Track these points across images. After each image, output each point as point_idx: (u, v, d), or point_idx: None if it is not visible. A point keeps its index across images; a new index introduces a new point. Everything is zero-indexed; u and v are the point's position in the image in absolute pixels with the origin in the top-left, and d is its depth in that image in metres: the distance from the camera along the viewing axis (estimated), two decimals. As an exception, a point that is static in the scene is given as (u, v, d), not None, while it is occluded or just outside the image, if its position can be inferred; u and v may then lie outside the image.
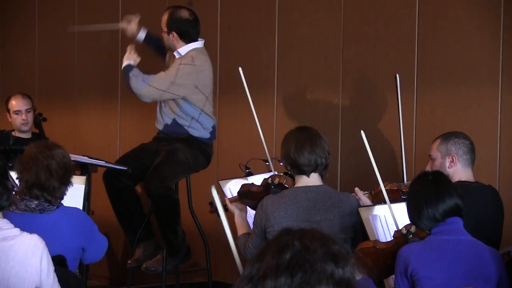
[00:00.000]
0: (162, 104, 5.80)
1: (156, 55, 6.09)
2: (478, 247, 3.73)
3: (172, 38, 5.75)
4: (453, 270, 3.65)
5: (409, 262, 3.66)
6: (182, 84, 5.63)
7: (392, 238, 3.89)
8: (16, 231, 3.33)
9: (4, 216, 3.48)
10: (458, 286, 3.63)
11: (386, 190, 4.42)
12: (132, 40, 6.03)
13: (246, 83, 5.05)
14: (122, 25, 6.00)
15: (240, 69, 5.21)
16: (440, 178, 3.83)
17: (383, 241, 4.00)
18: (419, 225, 3.76)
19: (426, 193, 3.76)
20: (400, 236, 3.83)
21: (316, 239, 1.92)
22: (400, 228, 3.88)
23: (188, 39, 5.75)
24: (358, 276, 3.89)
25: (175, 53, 5.76)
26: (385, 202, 4.32)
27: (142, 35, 5.98)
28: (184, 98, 5.68)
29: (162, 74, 5.67)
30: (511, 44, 5.19)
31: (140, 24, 5.91)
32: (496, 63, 5.22)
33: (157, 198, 5.55)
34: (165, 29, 5.76)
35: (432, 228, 3.74)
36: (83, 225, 4.10)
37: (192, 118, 5.74)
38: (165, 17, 5.78)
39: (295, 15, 6.23)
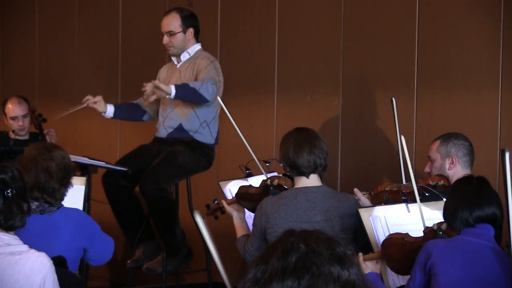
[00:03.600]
0: (168, 110, 5.74)
1: (129, 119, 6.01)
2: (502, 256, 3.71)
3: (188, 36, 5.71)
4: (471, 271, 3.64)
5: (431, 254, 3.65)
6: (221, 82, 5.62)
7: (423, 234, 3.90)
8: (25, 247, 3.33)
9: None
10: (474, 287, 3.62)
11: (386, 191, 4.42)
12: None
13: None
14: (89, 104, 5.80)
15: (218, 97, 5.24)
16: (483, 185, 3.81)
17: (412, 235, 3.99)
18: (451, 225, 3.76)
19: (466, 196, 3.75)
20: (430, 232, 3.83)
21: (321, 241, 1.92)
22: (430, 225, 3.89)
23: (197, 37, 5.76)
24: (367, 270, 3.90)
25: (183, 55, 5.70)
26: (385, 203, 4.33)
27: (111, 109, 5.80)
28: None
29: (205, 74, 5.53)
30: (511, 45, 5.20)
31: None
32: (496, 64, 5.23)
33: (151, 200, 5.54)
34: (179, 29, 5.70)
35: (462, 229, 3.74)
36: (83, 225, 4.10)
37: (204, 121, 5.68)
38: (174, 17, 5.70)
39: (295, 16, 6.23)
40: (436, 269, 3.64)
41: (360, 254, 3.95)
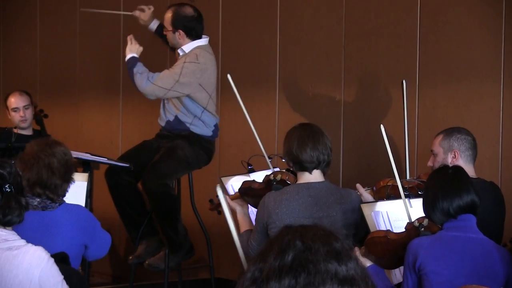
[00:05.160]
0: (165, 101, 5.80)
1: (165, 45, 6.04)
2: (488, 246, 3.73)
3: (178, 36, 5.72)
4: (460, 267, 3.66)
5: (417, 255, 3.66)
6: (187, 82, 5.62)
7: (404, 230, 3.90)
8: (22, 242, 3.34)
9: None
10: (465, 283, 3.63)
11: (388, 186, 4.42)
12: (130, 31, 6.03)
13: (236, 89, 5.01)
14: (136, 13, 6.00)
15: (228, 75, 5.19)
16: (460, 173, 3.82)
17: (394, 232, 3.99)
18: (432, 218, 3.76)
19: (444, 187, 3.76)
20: (412, 229, 3.83)
21: (318, 238, 1.90)
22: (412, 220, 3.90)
23: (194, 36, 5.75)
24: (368, 263, 3.91)
25: (179, 51, 5.74)
26: (387, 198, 4.33)
27: (154, 25, 5.99)
28: (188, 96, 5.68)
29: (166, 72, 5.66)
30: (513, 40, 5.19)
31: (140, 28, 5.84)
32: (498, 59, 5.22)
33: (154, 195, 5.55)
34: (170, 28, 5.72)
35: (445, 223, 3.74)
36: (85, 222, 4.09)
37: (195, 116, 5.73)
38: (168, 16, 5.74)
39: (296, 11, 6.23)
40: (426, 270, 3.64)
41: (356, 248, 3.95)
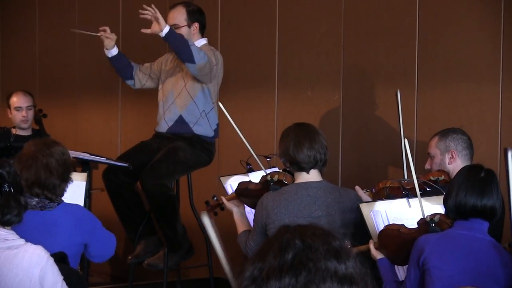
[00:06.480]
0: (170, 101, 5.74)
1: (118, 71, 5.91)
2: (492, 247, 3.74)
3: (193, 31, 5.70)
4: (463, 265, 3.67)
5: (423, 251, 3.69)
6: (217, 68, 5.60)
7: (417, 225, 3.92)
8: (21, 241, 3.35)
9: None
10: (466, 281, 3.64)
11: (387, 187, 4.42)
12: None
13: (228, 114, 5.01)
14: (103, 35, 5.76)
15: (219, 103, 5.19)
16: (490, 177, 3.81)
17: (408, 227, 4.01)
18: (447, 207, 3.77)
19: (469, 183, 3.75)
20: (423, 224, 3.88)
21: (317, 236, 1.91)
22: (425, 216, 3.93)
23: (202, 32, 5.74)
24: (379, 256, 3.92)
25: None
26: (386, 199, 4.33)
27: (114, 51, 5.77)
28: (206, 86, 5.63)
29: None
30: (512, 40, 5.20)
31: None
32: (497, 59, 5.22)
33: (152, 195, 5.53)
34: (184, 22, 5.67)
35: (456, 221, 3.75)
36: (83, 220, 4.09)
37: (203, 111, 5.67)
38: (180, 11, 5.69)
39: (295, 11, 6.23)
40: (429, 265, 3.67)
41: (371, 241, 3.99)
